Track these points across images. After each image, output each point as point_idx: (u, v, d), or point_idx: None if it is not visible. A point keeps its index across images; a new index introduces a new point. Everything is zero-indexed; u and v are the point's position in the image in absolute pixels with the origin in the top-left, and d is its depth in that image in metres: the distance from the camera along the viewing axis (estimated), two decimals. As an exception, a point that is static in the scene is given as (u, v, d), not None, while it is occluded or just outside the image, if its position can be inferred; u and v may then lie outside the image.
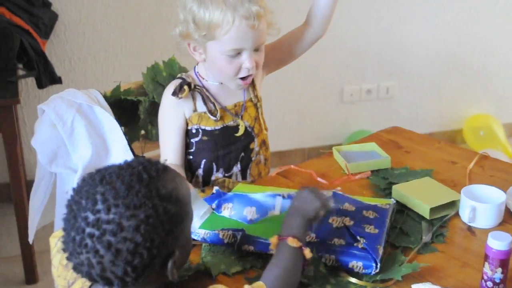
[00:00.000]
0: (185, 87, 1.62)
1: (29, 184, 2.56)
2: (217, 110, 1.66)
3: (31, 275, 2.57)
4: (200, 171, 1.71)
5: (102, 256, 0.97)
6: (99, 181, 1.01)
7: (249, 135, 1.73)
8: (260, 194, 1.46)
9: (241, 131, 1.71)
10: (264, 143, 1.78)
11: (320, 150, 3.46)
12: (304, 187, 1.33)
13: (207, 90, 1.68)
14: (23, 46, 2.56)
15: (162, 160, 1.60)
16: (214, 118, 1.66)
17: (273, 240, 1.23)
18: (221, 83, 1.68)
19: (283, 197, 1.45)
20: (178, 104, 1.65)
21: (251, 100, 1.73)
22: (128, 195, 0.99)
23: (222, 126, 1.68)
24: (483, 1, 3.65)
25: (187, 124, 1.67)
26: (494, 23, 3.73)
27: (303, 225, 1.25)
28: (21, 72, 2.61)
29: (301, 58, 3.42)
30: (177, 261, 1.07)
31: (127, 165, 1.06)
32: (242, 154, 1.73)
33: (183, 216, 1.06)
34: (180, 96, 1.61)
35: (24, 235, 2.43)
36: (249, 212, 1.42)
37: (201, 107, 1.66)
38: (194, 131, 1.68)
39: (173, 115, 1.67)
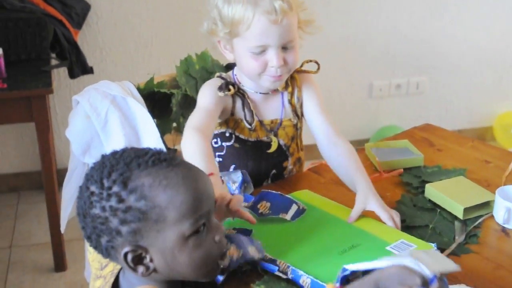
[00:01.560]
0: (231, 86, 1.56)
1: (60, 172, 2.60)
2: (254, 120, 1.61)
3: (60, 262, 2.60)
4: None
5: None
6: (102, 156, 1.05)
7: (283, 153, 1.67)
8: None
9: (273, 148, 1.65)
10: (299, 161, 1.73)
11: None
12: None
13: (248, 96, 1.62)
14: (57, 36, 2.59)
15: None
16: (250, 127, 1.60)
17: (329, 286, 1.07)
18: (258, 93, 1.62)
19: (299, 207, 1.42)
20: (221, 98, 1.57)
21: (290, 120, 1.66)
22: (103, 175, 1.00)
23: (255, 139, 1.63)
24: (517, -3, 3.60)
25: (221, 116, 1.61)
26: (528, 20, 3.68)
27: None
28: (54, 62, 2.64)
29: (331, 52, 3.43)
30: (157, 267, 1.02)
31: (136, 149, 1.06)
32: (274, 171, 1.68)
33: (152, 217, 0.98)
34: (226, 93, 1.55)
35: (54, 223, 2.47)
36: (263, 206, 1.40)
37: (239, 112, 1.61)
38: (227, 134, 1.63)
39: (214, 100, 1.56)
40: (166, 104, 1.88)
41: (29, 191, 3.19)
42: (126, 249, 0.99)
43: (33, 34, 2.51)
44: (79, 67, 2.68)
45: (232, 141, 1.64)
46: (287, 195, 1.44)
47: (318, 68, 1.69)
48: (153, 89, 1.86)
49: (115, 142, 1.73)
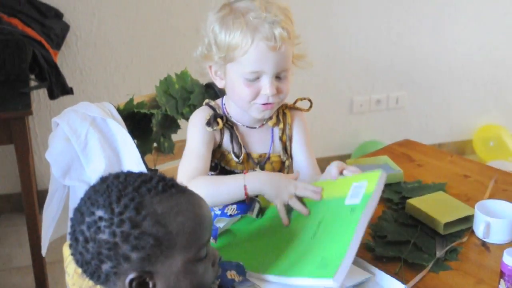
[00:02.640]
0: (219, 120, 1.53)
1: (40, 194, 2.58)
2: (241, 154, 1.57)
3: (42, 285, 2.57)
4: None
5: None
6: (101, 182, 1.03)
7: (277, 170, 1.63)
8: None
9: (267, 168, 1.61)
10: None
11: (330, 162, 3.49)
12: None
13: (236, 128, 1.59)
14: (36, 57, 2.58)
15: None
16: (237, 160, 1.57)
17: None
18: (245, 126, 1.59)
19: (260, 204, 1.47)
20: (208, 134, 1.55)
21: (279, 156, 1.62)
22: (112, 200, 0.99)
23: (241, 171, 1.59)
24: (493, 12, 3.66)
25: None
26: (504, 34, 3.73)
27: None
28: (33, 83, 2.63)
29: (311, 69, 3.44)
30: None
31: (138, 174, 1.05)
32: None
33: (164, 243, 0.99)
34: (214, 128, 1.53)
35: (35, 246, 2.44)
36: (229, 209, 1.44)
37: (226, 145, 1.57)
38: (213, 164, 1.59)
39: (203, 140, 1.55)
40: (146, 125, 1.88)
41: (9, 214, 3.16)
42: (132, 275, 0.98)
43: (11, 55, 2.50)
44: (59, 88, 2.67)
45: (217, 171, 1.61)
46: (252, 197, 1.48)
47: (311, 106, 1.67)
48: (133, 109, 1.86)
49: (96, 163, 1.73)
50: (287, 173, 1.64)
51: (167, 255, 0.99)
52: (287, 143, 1.64)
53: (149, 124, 1.88)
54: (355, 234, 1.15)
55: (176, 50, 3.05)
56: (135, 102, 1.87)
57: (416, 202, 1.58)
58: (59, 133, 1.73)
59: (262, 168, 1.61)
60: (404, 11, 3.49)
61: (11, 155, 2.87)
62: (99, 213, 0.97)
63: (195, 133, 1.56)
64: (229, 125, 1.57)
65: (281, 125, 1.62)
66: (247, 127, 1.59)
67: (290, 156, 1.65)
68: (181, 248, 1.00)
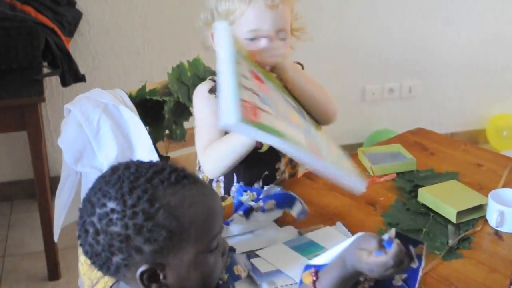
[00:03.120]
0: None
1: (52, 180, 2.59)
2: None
3: (54, 271, 2.59)
4: (221, 177, 1.69)
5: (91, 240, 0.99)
6: (112, 172, 1.01)
7: (274, 154, 1.66)
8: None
9: (264, 147, 1.63)
10: (291, 162, 1.72)
11: (344, 151, 3.48)
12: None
13: None
14: (48, 44, 2.58)
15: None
16: None
17: (307, 279, 1.09)
18: None
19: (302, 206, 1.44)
20: (215, 102, 1.54)
21: None
22: (124, 192, 0.97)
23: None
24: (507, 0, 3.62)
25: None
26: (519, 22, 3.69)
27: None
28: (46, 70, 2.63)
29: (323, 57, 3.44)
30: (169, 283, 1.00)
31: (150, 164, 1.03)
32: (266, 172, 1.67)
33: (177, 235, 0.97)
34: (217, 95, 1.51)
35: (47, 232, 2.46)
36: (269, 204, 1.43)
37: None
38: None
39: (212, 109, 1.55)
40: (158, 112, 1.88)
41: (22, 200, 3.18)
42: (144, 267, 0.97)
43: (24, 43, 2.50)
44: (71, 75, 2.68)
45: None
46: (289, 192, 1.46)
47: (303, 69, 1.71)
48: (145, 96, 1.85)
49: (108, 150, 1.73)
50: None
51: (179, 247, 0.98)
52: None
53: (161, 111, 1.88)
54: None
55: (188, 37, 3.04)
56: (147, 89, 1.87)
57: (429, 190, 1.57)
58: (72, 119, 1.74)
59: None
60: (419, 0, 3.46)
61: (24, 142, 2.88)
62: (111, 204, 0.96)
63: (200, 105, 1.59)
64: None
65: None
66: None
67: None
68: (193, 240, 0.99)
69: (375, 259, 0.99)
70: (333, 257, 1.08)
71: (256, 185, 1.68)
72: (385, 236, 1.00)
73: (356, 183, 1.31)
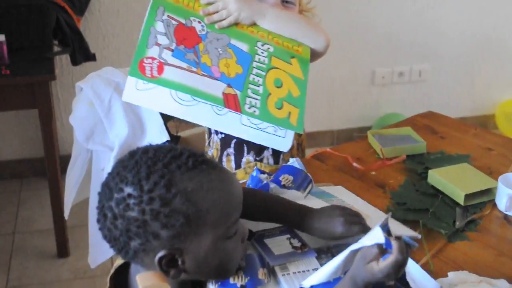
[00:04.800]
0: None
1: (62, 159, 2.60)
2: None
3: (63, 248, 2.62)
4: (231, 150, 1.70)
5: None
6: (130, 157, 1.01)
7: None
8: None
9: None
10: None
11: (353, 134, 3.49)
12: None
13: None
14: (59, 23, 2.59)
15: None
16: None
17: None
18: None
19: (312, 186, 1.42)
20: None
21: None
22: (142, 177, 0.96)
23: None
24: (520, -16, 3.59)
25: None
26: (532, 7, 3.67)
27: None
28: (56, 49, 2.64)
29: (333, 40, 3.41)
30: (187, 268, 1.00)
31: (168, 149, 1.02)
32: None
33: (195, 221, 0.97)
34: None
35: (57, 209, 2.48)
36: (285, 179, 1.40)
37: None
38: None
39: None
40: (169, 91, 1.88)
41: (32, 178, 3.21)
42: (162, 253, 0.97)
43: (35, 21, 2.51)
44: (82, 54, 2.69)
45: None
46: (306, 173, 1.44)
47: None
48: (156, 75, 1.85)
49: (119, 128, 1.74)
50: None
51: (197, 232, 0.98)
52: None
53: (172, 91, 1.88)
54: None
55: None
56: (158, 69, 1.87)
57: (439, 172, 1.57)
58: (83, 97, 1.74)
59: None
60: (430, -18, 3.44)
61: (35, 120, 2.89)
62: (128, 189, 0.95)
63: None
64: None
65: None
66: None
67: None
68: (211, 226, 0.99)
69: (385, 263, 0.98)
70: (328, 273, 1.06)
71: (266, 152, 1.68)
72: (380, 239, 1.00)
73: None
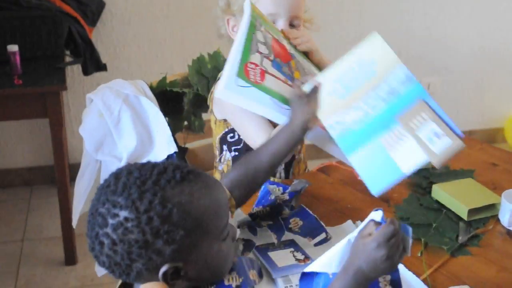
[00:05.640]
0: None
1: (72, 167, 2.63)
2: None
3: (71, 256, 2.64)
4: (238, 154, 1.71)
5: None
6: (115, 180, 1.00)
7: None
8: None
9: None
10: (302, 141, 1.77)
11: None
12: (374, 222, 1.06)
13: None
14: (71, 33, 2.62)
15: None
16: None
17: None
18: None
19: (326, 236, 1.39)
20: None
21: None
22: (134, 199, 0.96)
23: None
24: (530, -1, 3.59)
25: None
26: (541, 22, 3.67)
27: None
28: (68, 59, 2.67)
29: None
30: (190, 277, 1.02)
31: (151, 166, 1.02)
32: None
33: (193, 231, 0.99)
34: None
35: (65, 217, 2.51)
36: (294, 222, 1.41)
37: None
38: None
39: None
40: (178, 103, 1.91)
41: (41, 186, 3.24)
42: (165, 267, 0.98)
43: (48, 31, 2.54)
44: (93, 64, 2.72)
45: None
46: (320, 221, 1.42)
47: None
48: (166, 88, 1.88)
49: (127, 140, 1.76)
50: None
51: (196, 241, 0.99)
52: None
53: (181, 103, 1.90)
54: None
55: (209, 29, 3.04)
56: (167, 81, 1.89)
57: (443, 187, 1.58)
58: (93, 109, 1.77)
59: None
60: (439, -4, 3.46)
61: (45, 128, 2.93)
62: (124, 213, 0.95)
63: (227, 108, 1.62)
64: None
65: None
66: None
67: None
68: (208, 233, 1.01)
69: (378, 232, 1.02)
70: (329, 261, 1.09)
71: (279, 167, 1.69)
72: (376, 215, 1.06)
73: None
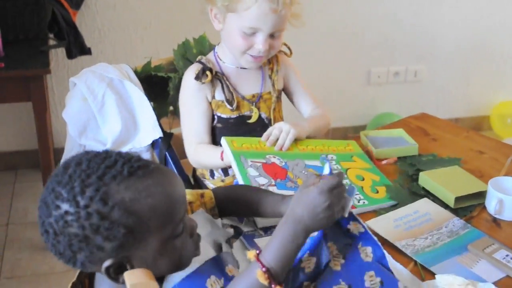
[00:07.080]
0: (208, 72, 1.66)
1: (56, 151, 2.61)
2: (234, 100, 1.70)
3: (55, 241, 2.61)
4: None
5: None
6: (64, 170, 0.97)
7: (265, 126, 1.73)
8: None
9: (253, 119, 1.73)
10: None
11: (348, 133, 3.49)
12: (313, 176, 1.09)
13: (227, 78, 1.71)
14: (55, 16, 2.58)
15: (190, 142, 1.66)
16: (230, 108, 1.70)
17: (250, 254, 1.05)
18: (239, 68, 1.72)
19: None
20: (200, 88, 1.69)
21: (269, 93, 1.76)
22: (76, 193, 0.94)
23: (237, 115, 1.72)
24: (517, -14, 3.59)
25: (211, 108, 1.71)
26: (528, 10, 3.67)
27: (293, 248, 1.04)
28: (52, 42, 2.63)
29: (330, 39, 3.42)
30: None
31: (102, 158, 0.99)
32: None
33: (137, 229, 0.95)
34: (203, 81, 1.66)
35: (50, 203, 2.48)
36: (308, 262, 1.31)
37: (219, 95, 1.70)
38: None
39: (197, 99, 1.69)
40: (163, 88, 1.89)
41: (26, 170, 3.21)
42: (108, 262, 0.96)
43: (31, 14, 2.50)
44: (77, 48, 2.68)
45: (215, 122, 1.72)
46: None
47: (291, 53, 1.81)
48: (151, 72, 1.86)
49: (112, 124, 1.74)
50: (280, 105, 1.81)
51: (141, 239, 0.96)
52: (275, 80, 1.77)
53: (166, 88, 1.88)
54: None
55: (195, 14, 3.02)
56: (152, 65, 1.87)
57: (430, 174, 1.58)
58: (77, 93, 1.74)
59: (258, 108, 1.74)
60: (427, -17, 3.45)
61: (29, 113, 2.89)
62: (65, 206, 0.93)
63: (185, 97, 1.72)
64: (219, 76, 1.70)
65: (271, 65, 1.78)
66: (240, 68, 1.72)
67: (279, 93, 1.80)
68: (155, 230, 0.97)
69: (323, 181, 1.04)
70: None
71: None
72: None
73: None
